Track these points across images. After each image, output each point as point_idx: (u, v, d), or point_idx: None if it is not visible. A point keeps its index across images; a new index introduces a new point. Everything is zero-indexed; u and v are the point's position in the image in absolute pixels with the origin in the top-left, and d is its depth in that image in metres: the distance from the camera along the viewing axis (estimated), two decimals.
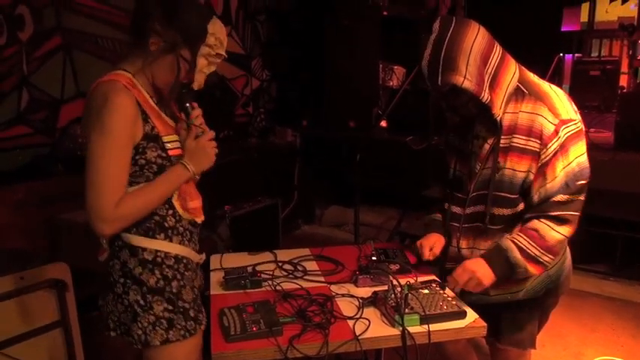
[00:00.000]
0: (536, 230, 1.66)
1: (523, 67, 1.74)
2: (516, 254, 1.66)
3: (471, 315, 1.63)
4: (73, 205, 2.96)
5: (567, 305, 3.30)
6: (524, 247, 1.66)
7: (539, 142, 1.63)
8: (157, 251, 1.52)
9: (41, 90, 3.40)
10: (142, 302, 1.50)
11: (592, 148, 4.08)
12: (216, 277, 1.88)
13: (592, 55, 6.22)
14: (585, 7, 6.58)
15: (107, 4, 3.74)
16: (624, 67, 5.43)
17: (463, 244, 1.85)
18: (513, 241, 1.68)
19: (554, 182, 1.63)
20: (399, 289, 1.63)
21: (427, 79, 1.64)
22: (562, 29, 6.16)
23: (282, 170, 5.14)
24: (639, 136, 4.03)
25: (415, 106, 4.74)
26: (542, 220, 1.67)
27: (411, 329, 1.52)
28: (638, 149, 4.02)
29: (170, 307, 1.52)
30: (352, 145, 4.56)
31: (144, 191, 1.47)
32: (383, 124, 5.06)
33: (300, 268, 1.98)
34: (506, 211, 1.74)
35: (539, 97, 1.66)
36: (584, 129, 1.68)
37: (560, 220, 1.65)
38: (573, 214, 1.66)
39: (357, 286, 1.82)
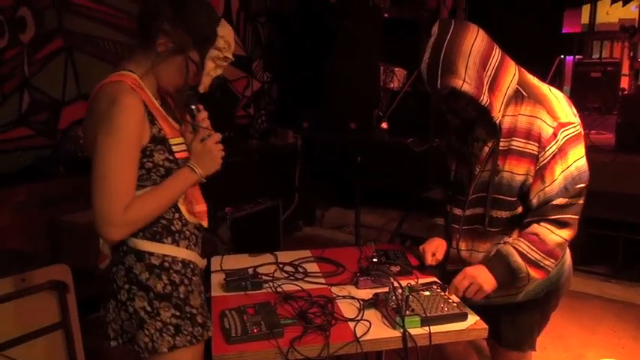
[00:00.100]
0: (536, 234, 1.66)
1: (523, 70, 1.74)
2: (517, 259, 1.66)
3: (472, 317, 1.62)
4: (75, 206, 2.97)
5: (568, 307, 3.30)
6: (525, 252, 1.65)
7: (537, 145, 1.63)
8: (164, 256, 1.48)
9: (42, 92, 3.40)
10: (148, 309, 1.46)
11: (593, 150, 4.13)
12: (216, 278, 1.88)
13: (593, 56, 6.23)
14: (586, 9, 6.60)
15: (109, 6, 3.74)
16: (625, 69, 5.44)
17: (462, 245, 1.85)
18: (514, 246, 1.68)
19: (553, 185, 1.63)
20: (399, 290, 1.63)
21: (426, 83, 1.65)
22: (563, 31, 6.17)
23: (283, 172, 5.14)
24: None
25: (416, 108, 4.76)
26: (541, 223, 1.66)
27: (412, 331, 1.52)
28: (638, 151, 4.03)
29: (177, 313, 1.48)
30: (353, 147, 4.57)
31: (152, 195, 1.44)
32: (384, 125, 5.07)
33: (300, 269, 1.98)
34: (504, 214, 1.74)
35: (538, 100, 1.66)
36: (583, 132, 1.68)
37: (560, 224, 1.65)
38: (573, 217, 1.65)
39: (357, 288, 1.82)
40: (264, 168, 4.73)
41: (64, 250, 3.06)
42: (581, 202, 1.66)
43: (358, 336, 1.51)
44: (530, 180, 1.66)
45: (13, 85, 3.24)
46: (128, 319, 1.48)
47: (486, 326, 1.60)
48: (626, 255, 3.92)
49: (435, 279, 1.88)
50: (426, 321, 1.54)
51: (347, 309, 1.66)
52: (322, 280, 1.89)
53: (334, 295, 1.76)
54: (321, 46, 5.22)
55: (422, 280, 1.84)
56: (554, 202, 1.64)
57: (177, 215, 1.51)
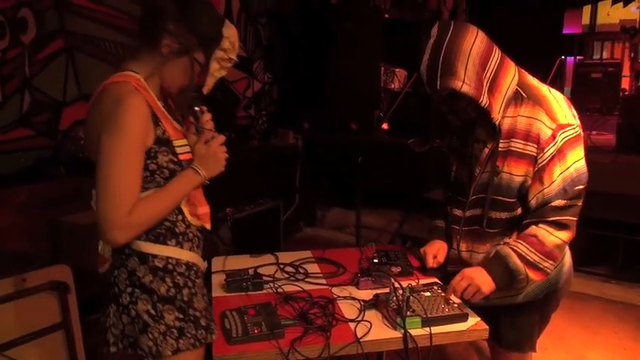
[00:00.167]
0: (535, 236, 1.65)
1: (523, 71, 1.74)
2: (516, 260, 1.65)
3: (473, 318, 1.62)
4: (75, 207, 2.97)
5: (569, 308, 3.30)
6: (524, 254, 1.65)
7: (536, 146, 1.63)
8: (168, 258, 1.46)
9: (43, 92, 3.41)
10: (152, 312, 1.43)
11: (594, 151, 4.14)
12: (217, 279, 1.88)
13: (594, 57, 6.22)
14: (587, 10, 6.61)
15: (110, 6, 3.75)
16: (626, 70, 5.44)
17: (463, 247, 1.85)
18: (512, 248, 1.68)
19: (552, 187, 1.63)
20: (400, 291, 1.63)
21: (426, 84, 1.65)
22: (564, 32, 6.17)
23: (283, 172, 5.14)
24: None
25: (416, 109, 4.77)
26: (540, 225, 1.66)
27: (413, 332, 1.52)
28: (639, 152, 4.03)
29: (181, 316, 1.46)
30: (354, 148, 4.57)
31: (157, 197, 1.41)
32: (384, 126, 5.07)
33: (301, 270, 1.98)
34: (503, 215, 1.74)
35: (537, 102, 1.66)
36: (582, 134, 1.67)
37: (559, 225, 1.65)
38: (571, 219, 1.65)
39: (358, 289, 1.82)
40: (264, 168, 4.73)
41: (64, 250, 3.06)
42: (579, 203, 1.66)
43: (359, 337, 1.51)
44: (529, 181, 1.66)
45: (14, 86, 3.24)
46: (130, 323, 1.45)
47: (487, 327, 1.60)
48: (626, 256, 3.92)
49: (436, 280, 1.88)
50: (426, 322, 1.54)
51: (348, 310, 1.67)
52: (323, 281, 1.89)
53: (335, 296, 1.76)
54: (322, 46, 5.22)
55: (423, 281, 1.84)
56: (552, 204, 1.63)
57: (180, 217, 1.50)
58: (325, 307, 1.64)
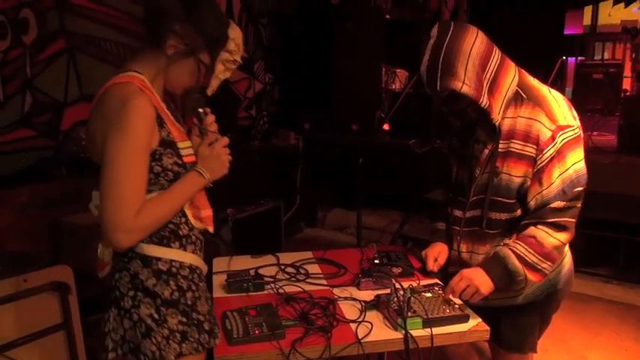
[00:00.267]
0: (533, 237, 1.65)
1: (523, 71, 1.74)
2: (515, 261, 1.65)
3: (474, 319, 1.62)
4: (77, 207, 2.97)
5: (570, 309, 3.30)
6: (523, 255, 1.65)
7: (535, 147, 1.63)
8: (171, 261, 1.44)
9: (45, 93, 3.41)
10: (155, 316, 1.40)
11: (595, 152, 4.14)
12: (218, 280, 1.89)
13: (595, 58, 6.22)
14: (588, 10, 6.60)
15: (111, 7, 3.75)
16: (627, 71, 5.43)
17: (463, 247, 1.85)
18: (511, 249, 1.67)
19: (551, 188, 1.63)
20: (401, 292, 1.63)
21: (426, 85, 1.65)
22: (565, 32, 6.16)
23: (284, 173, 5.15)
24: None
25: (417, 110, 4.77)
26: (539, 226, 1.66)
27: (414, 333, 1.52)
28: None
29: (184, 320, 1.43)
30: (355, 148, 4.57)
31: (162, 200, 1.39)
32: (385, 127, 5.07)
33: (302, 271, 1.98)
34: (503, 216, 1.74)
35: (537, 103, 1.66)
36: (582, 135, 1.67)
37: (558, 227, 1.64)
38: (570, 220, 1.65)
39: (359, 290, 1.82)
40: (265, 169, 4.73)
41: (65, 251, 3.06)
42: (578, 205, 1.66)
43: (360, 337, 1.51)
44: (528, 182, 1.66)
45: (16, 86, 3.24)
46: (132, 327, 1.41)
47: (488, 328, 1.60)
48: (627, 256, 3.92)
49: (437, 280, 1.88)
50: (427, 322, 1.54)
51: (348, 310, 1.67)
52: (324, 282, 1.89)
53: (336, 297, 1.76)
54: (323, 47, 5.22)
55: (423, 282, 1.84)
56: (551, 205, 1.63)
57: (183, 220, 1.48)
58: (326, 308, 1.64)
